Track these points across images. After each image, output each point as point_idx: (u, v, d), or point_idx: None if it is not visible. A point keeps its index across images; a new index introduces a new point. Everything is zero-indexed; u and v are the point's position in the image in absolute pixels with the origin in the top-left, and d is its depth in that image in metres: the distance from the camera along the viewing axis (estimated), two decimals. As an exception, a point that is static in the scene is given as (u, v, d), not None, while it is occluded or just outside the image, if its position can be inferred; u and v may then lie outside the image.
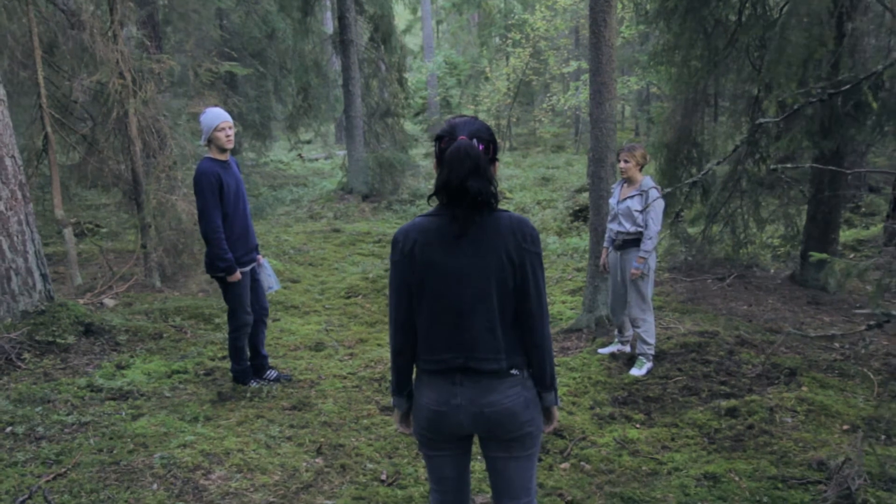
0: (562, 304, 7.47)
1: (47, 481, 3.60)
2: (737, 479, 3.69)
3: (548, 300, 2.67)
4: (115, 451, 3.96)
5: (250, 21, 14.31)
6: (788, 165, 5.56)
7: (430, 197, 2.24)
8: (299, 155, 22.11)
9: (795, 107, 3.46)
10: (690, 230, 8.36)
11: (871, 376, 5.14)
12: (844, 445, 3.92)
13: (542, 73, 22.13)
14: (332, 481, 3.80)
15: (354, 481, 3.79)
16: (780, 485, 3.61)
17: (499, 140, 20.75)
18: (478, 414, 2.24)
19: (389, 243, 10.63)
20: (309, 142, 25.09)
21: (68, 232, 7.45)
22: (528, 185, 15.45)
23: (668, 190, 4.76)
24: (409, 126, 20.90)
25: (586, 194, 11.36)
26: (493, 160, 2.25)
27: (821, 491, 3.53)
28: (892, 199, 8.38)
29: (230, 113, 8.50)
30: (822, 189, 7.19)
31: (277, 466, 3.92)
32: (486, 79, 23.00)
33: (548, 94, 23.07)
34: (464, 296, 2.19)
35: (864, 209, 10.86)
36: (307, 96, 16.83)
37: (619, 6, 15.32)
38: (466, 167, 2.10)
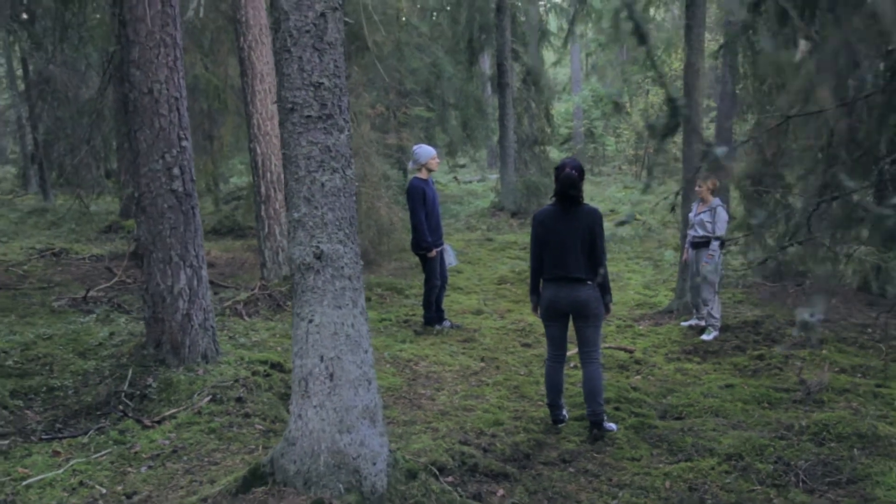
0: (664, 296, 9.63)
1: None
2: (745, 387, 5.84)
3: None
4: (362, 349, 6.64)
5: (422, 66, 17.34)
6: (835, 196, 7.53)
7: (551, 197, 4.71)
8: (455, 178, 25.09)
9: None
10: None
11: (883, 348, 7.03)
12: (822, 374, 5.96)
13: (680, 108, 23.90)
14: (490, 372, 6.31)
15: (504, 372, 6.27)
16: (770, 390, 5.73)
17: (637, 168, 22.94)
18: (572, 301, 4.65)
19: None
20: (464, 166, 28.09)
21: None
22: (657, 210, 17.42)
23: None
24: (555, 154, 23.26)
25: (702, 217, 13.33)
26: (581, 179, 4.66)
27: (795, 394, 5.63)
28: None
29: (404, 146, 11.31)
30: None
31: (457, 363, 6.48)
32: (627, 113, 25.04)
33: (685, 128, 24.78)
34: (566, 244, 4.63)
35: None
36: (467, 127, 19.70)
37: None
38: (569, 184, 4.56)
